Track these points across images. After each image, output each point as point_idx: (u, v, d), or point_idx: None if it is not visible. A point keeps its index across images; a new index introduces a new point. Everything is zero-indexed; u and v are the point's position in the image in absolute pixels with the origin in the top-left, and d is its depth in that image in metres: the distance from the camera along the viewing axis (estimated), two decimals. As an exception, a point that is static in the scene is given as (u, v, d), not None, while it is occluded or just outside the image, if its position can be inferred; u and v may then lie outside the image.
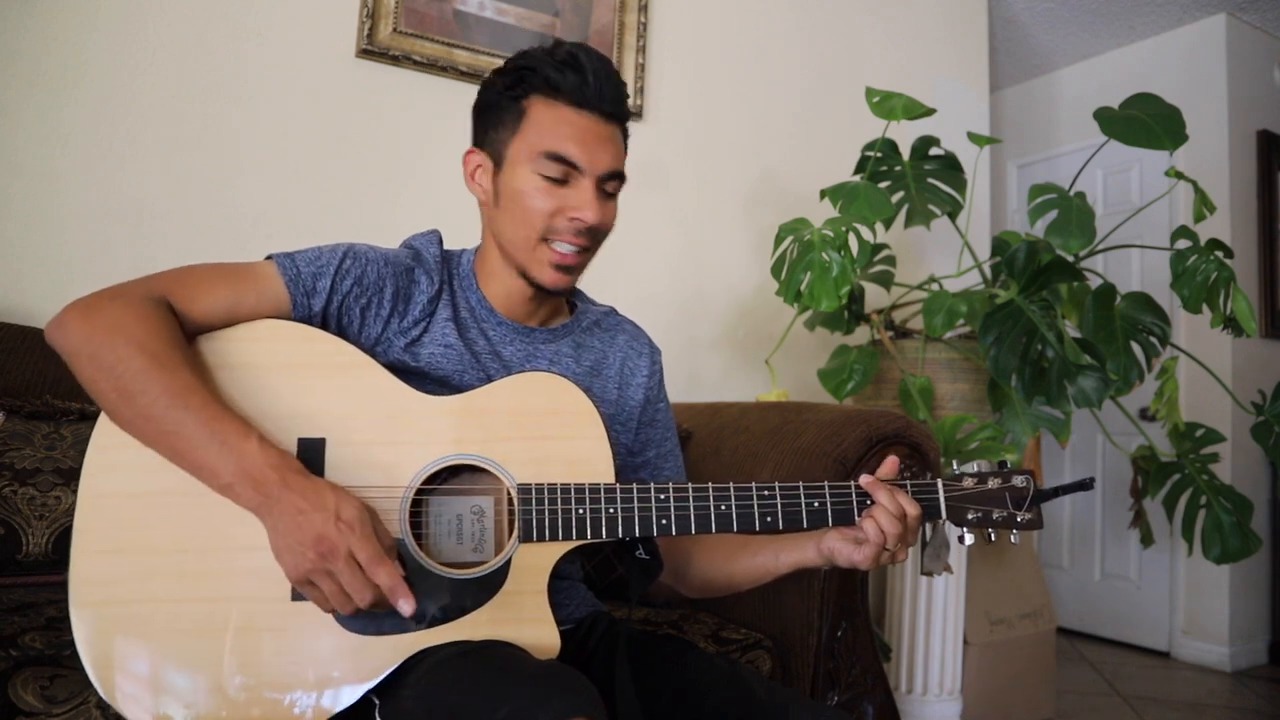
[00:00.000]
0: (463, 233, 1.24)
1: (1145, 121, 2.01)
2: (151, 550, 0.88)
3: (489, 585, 0.92)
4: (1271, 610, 3.34)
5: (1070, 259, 2.03)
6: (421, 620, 0.90)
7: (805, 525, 0.98)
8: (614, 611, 1.18)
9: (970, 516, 1.01)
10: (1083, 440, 3.59)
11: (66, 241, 1.77)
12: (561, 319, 1.16)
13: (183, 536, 0.89)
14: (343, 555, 0.82)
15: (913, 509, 0.97)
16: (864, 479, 0.99)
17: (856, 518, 0.99)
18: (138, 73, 1.84)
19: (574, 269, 1.05)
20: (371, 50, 2.06)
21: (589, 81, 1.00)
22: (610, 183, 1.04)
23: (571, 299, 1.19)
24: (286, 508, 0.84)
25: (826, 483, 0.99)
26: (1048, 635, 2.53)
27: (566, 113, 1.01)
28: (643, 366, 1.19)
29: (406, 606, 0.84)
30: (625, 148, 1.08)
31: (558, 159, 1.00)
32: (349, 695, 0.88)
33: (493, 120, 1.05)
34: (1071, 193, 2.09)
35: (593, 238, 1.04)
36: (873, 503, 0.98)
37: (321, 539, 0.82)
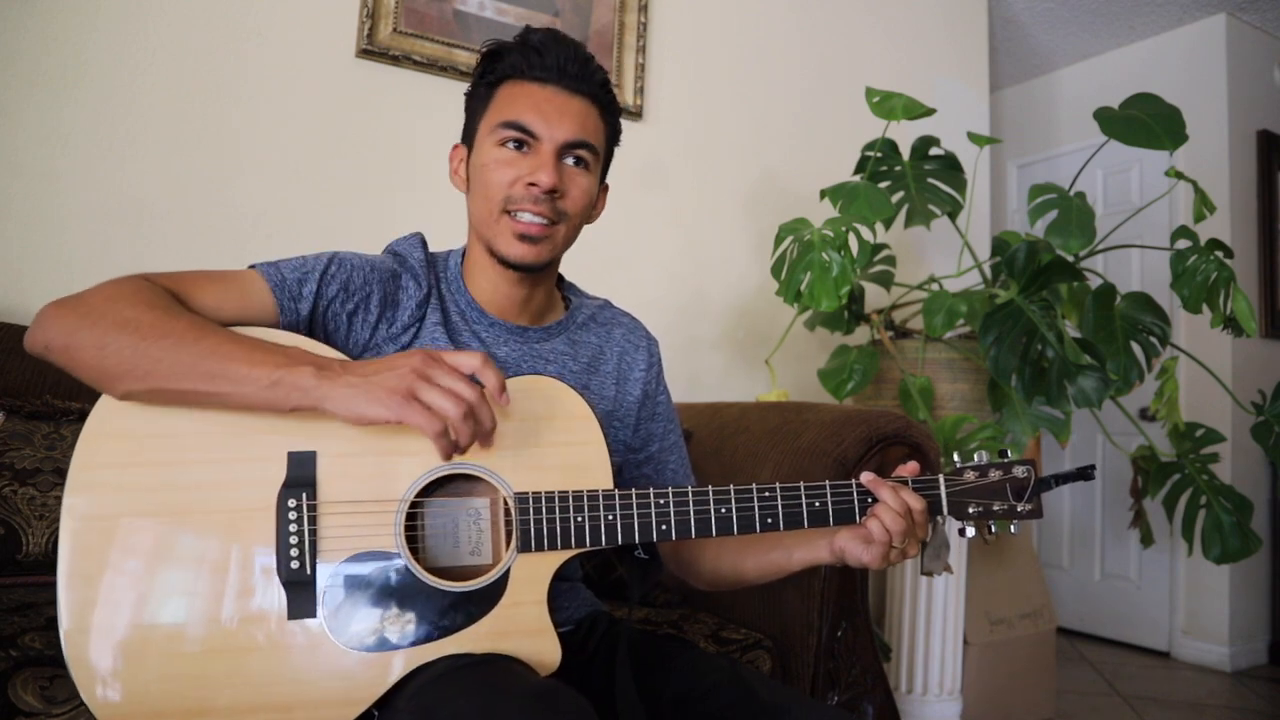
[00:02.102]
0: (461, 233, 1.24)
1: (1145, 121, 2.01)
2: (140, 572, 0.86)
3: (488, 597, 0.91)
4: (1271, 610, 3.34)
5: (1070, 259, 2.03)
6: (421, 634, 0.89)
7: (806, 525, 0.98)
8: (614, 611, 1.18)
9: (971, 510, 1.01)
10: (1083, 440, 3.60)
11: (66, 241, 1.77)
12: (555, 316, 1.14)
13: (173, 557, 0.87)
14: (437, 365, 0.84)
15: (917, 503, 0.97)
16: (865, 477, 0.99)
17: (858, 516, 0.98)
18: (138, 73, 1.84)
19: (538, 240, 1.02)
20: (371, 50, 2.06)
21: (551, 57, 1.02)
22: (577, 152, 1.03)
23: (565, 294, 1.18)
24: (351, 376, 0.83)
25: (828, 482, 0.99)
26: (1048, 635, 2.53)
27: (528, 87, 1.02)
28: (640, 361, 1.18)
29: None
30: (607, 127, 1.08)
31: (513, 126, 1.01)
32: (348, 712, 0.87)
33: (470, 111, 1.09)
34: (1071, 193, 2.09)
35: (555, 210, 1.02)
36: (876, 501, 0.98)
37: (411, 367, 0.83)
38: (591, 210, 1.10)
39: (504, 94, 1.03)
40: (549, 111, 1.01)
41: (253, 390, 0.84)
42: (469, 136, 1.08)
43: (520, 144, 1.01)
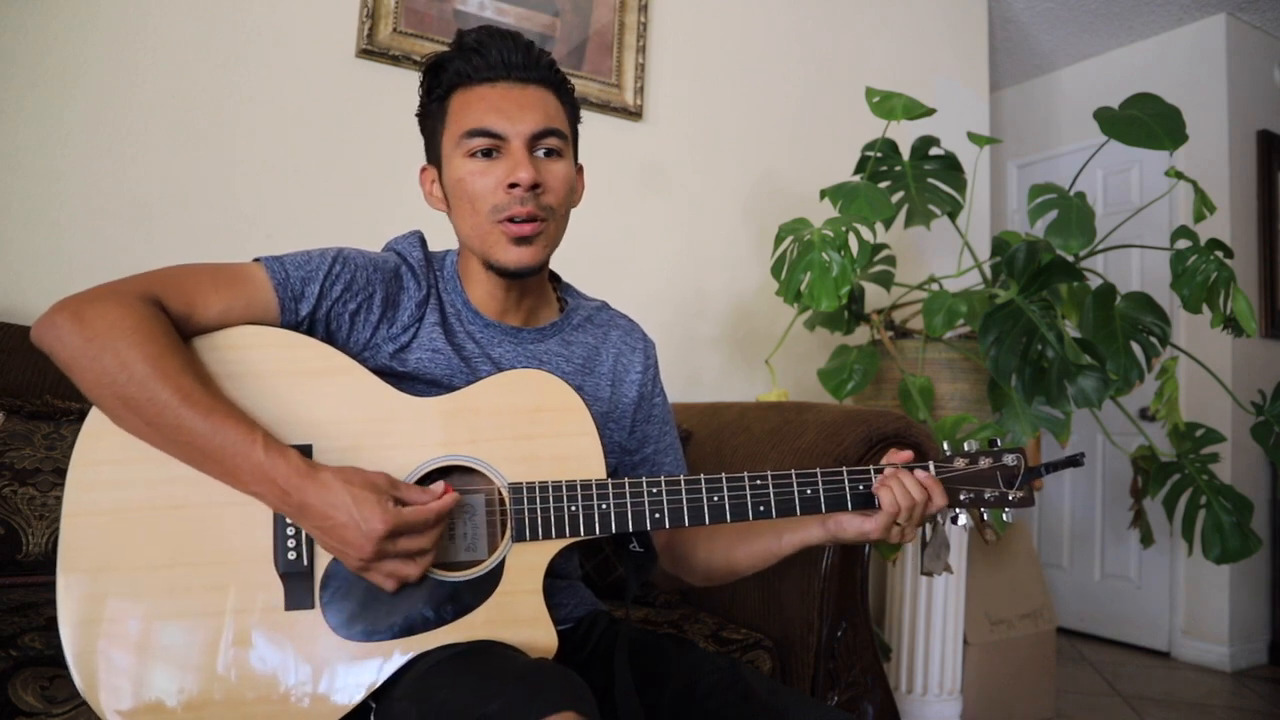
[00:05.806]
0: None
1: (1145, 121, 2.01)
2: (140, 566, 0.87)
3: (484, 586, 0.92)
4: (1271, 610, 3.34)
5: (1070, 259, 2.03)
6: (418, 624, 0.90)
7: (799, 513, 0.99)
8: (614, 611, 1.18)
9: (963, 497, 1.02)
10: (1083, 440, 3.59)
11: (66, 241, 1.77)
12: (550, 316, 1.14)
13: (171, 551, 0.87)
14: (388, 558, 0.87)
15: (933, 484, 0.99)
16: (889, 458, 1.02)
17: (850, 504, 1.00)
18: (138, 73, 1.84)
19: (533, 239, 1.01)
20: (371, 50, 2.06)
21: (493, 56, 1.00)
22: (546, 142, 1.01)
23: (561, 295, 1.18)
24: (312, 520, 0.86)
25: (819, 470, 1.00)
26: (1048, 635, 2.53)
27: (480, 90, 1.01)
28: (636, 363, 1.18)
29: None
30: (567, 108, 1.06)
31: (478, 133, 1.00)
32: (346, 702, 0.88)
33: (428, 131, 1.08)
34: (1071, 193, 2.09)
35: (540, 205, 1.00)
36: (879, 471, 1.00)
37: (361, 551, 0.86)
38: (573, 195, 1.08)
39: (457, 104, 1.02)
40: (508, 108, 1.00)
41: (238, 486, 0.89)
42: (434, 156, 1.07)
43: (489, 150, 1.00)
